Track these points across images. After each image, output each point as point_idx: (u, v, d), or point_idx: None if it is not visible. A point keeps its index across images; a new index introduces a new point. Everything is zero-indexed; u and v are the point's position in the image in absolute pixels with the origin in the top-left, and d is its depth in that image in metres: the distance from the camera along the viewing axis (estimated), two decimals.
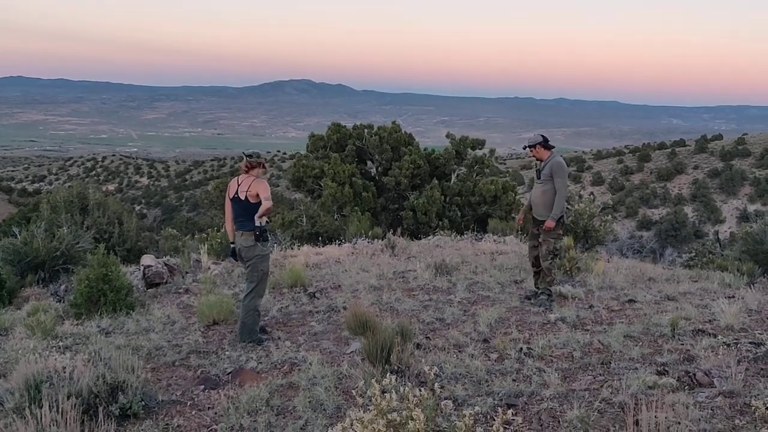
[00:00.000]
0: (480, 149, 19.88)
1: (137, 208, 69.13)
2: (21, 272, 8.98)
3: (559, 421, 3.70)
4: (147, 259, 8.95)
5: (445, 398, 3.95)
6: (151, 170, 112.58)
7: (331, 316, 6.58)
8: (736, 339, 5.00)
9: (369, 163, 19.85)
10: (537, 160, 6.78)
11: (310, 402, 4.21)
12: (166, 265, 8.91)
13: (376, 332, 4.57)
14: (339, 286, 7.92)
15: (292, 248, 11.57)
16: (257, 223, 5.59)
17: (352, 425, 2.74)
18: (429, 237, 13.65)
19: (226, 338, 5.96)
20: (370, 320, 5.22)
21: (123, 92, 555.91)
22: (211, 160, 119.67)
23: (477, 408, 3.01)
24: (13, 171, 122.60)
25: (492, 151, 20.47)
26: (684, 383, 4.08)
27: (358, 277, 8.29)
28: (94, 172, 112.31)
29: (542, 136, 6.68)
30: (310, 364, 4.96)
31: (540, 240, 6.74)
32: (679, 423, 3.32)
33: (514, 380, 4.41)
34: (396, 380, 3.00)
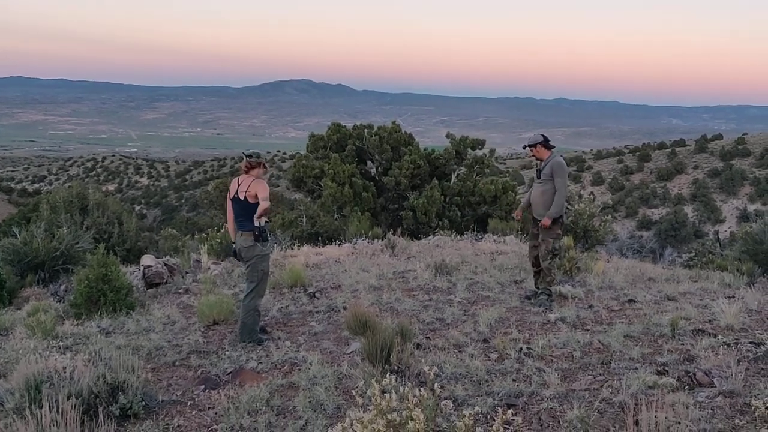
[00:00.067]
0: (480, 149, 19.87)
1: (137, 208, 69.13)
2: (21, 272, 8.98)
3: (559, 421, 3.70)
4: (147, 259, 8.95)
5: (445, 398, 3.95)
6: (151, 170, 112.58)
7: (331, 316, 6.58)
8: (736, 339, 5.00)
9: (369, 163, 19.85)
10: (537, 159, 6.78)
11: (310, 402, 4.21)
12: (166, 265, 8.91)
13: (376, 332, 4.57)
14: (339, 286, 7.93)
15: (292, 248, 11.57)
16: (257, 224, 5.60)
17: (352, 425, 2.74)
18: (429, 237, 13.66)
19: (227, 338, 5.96)
20: (370, 320, 5.22)
21: (123, 92, 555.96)
22: (211, 160, 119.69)
23: (477, 408, 3.01)
24: (12, 171, 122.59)
25: (492, 151, 20.46)
26: (684, 383, 4.08)
27: (358, 277, 8.30)
28: (93, 173, 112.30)
29: (543, 135, 6.68)
30: (310, 364, 4.96)
31: (540, 240, 6.74)
32: (679, 423, 3.32)
33: (514, 380, 4.41)
34: (396, 380, 3.00)
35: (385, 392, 2.85)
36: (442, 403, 3.00)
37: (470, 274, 8.36)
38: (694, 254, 13.21)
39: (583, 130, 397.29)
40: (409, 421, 2.72)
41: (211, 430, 4.00)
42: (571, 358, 4.88)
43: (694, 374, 4.15)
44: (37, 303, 7.33)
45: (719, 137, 79.17)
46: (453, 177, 19.13)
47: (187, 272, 9.33)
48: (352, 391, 3.27)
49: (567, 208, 10.97)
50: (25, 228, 9.86)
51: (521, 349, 5.07)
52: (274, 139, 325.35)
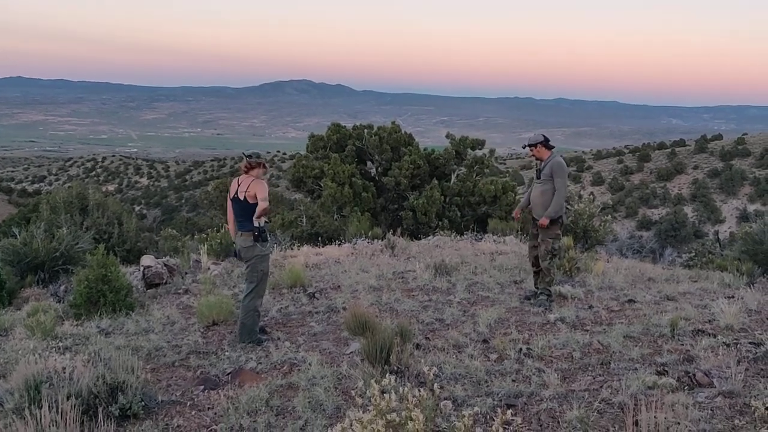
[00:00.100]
0: (480, 149, 19.88)
1: (137, 208, 69.13)
2: (21, 273, 8.98)
3: (558, 422, 3.70)
4: (146, 260, 8.95)
5: (445, 399, 3.95)
6: (151, 171, 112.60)
7: (330, 317, 6.58)
8: (735, 339, 5.00)
9: (369, 163, 19.86)
10: (537, 159, 6.77)
11: (309, 402, 4.21)
12: (165, 265, 8.91)
13: (376, 333, 4.57)
14: (338, 286, 7.93)
15: (291, 248, 11.58)
16: (256, 224, 5.61)
17: (351, 425, 2.74)
18: (429, 237, 13.65)
19: (226, 339, 5.96)
20: (369, 321, 5.22)
21: (123, 93, 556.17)
22: (211, 160, 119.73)
23: (476, 408, 3.02)
24: (12, 171, 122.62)
25: (492, 152, 20.47)
26: (684, 383, 4.08)
27: (357, 278, 8.29)
28: (93, 173, 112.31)
29: (543, 135, 6.68)
30: (310, 364, 4.96)
31: (539, 240, 6.74)
32: (679, 423, 3.32)
33: (513, 381, 4.41)
34: (395, 381, 3.00)
35: (385, 393, 2.85)
36: (441, 403, 3.01)
37: (470, 274, 8.35)
38: (693, 254, 13.21)
39: (583, 130, 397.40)
40: (409, 422, 2.72)
41: (211, 430, 4.00)
42: (571, 358, 4.88)
43: (694, 375, 4.15)
44: (36, 303, 7.32)
45: (719, 137, 79.20)
46: (453, 177, 19.14)
47: (186, 273, 9.33)
48: (352, 391, 3.27)
49: (567, 208, 10.96)
50: (24, 228, 9.86)
51: (521, 349, 5.07)
52: (274, 139, 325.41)
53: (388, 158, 18.97)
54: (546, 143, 6.64)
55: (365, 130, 19.73)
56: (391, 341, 4.49)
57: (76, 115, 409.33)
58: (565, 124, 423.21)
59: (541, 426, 3.68)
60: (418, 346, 5.25)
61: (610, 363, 4.67)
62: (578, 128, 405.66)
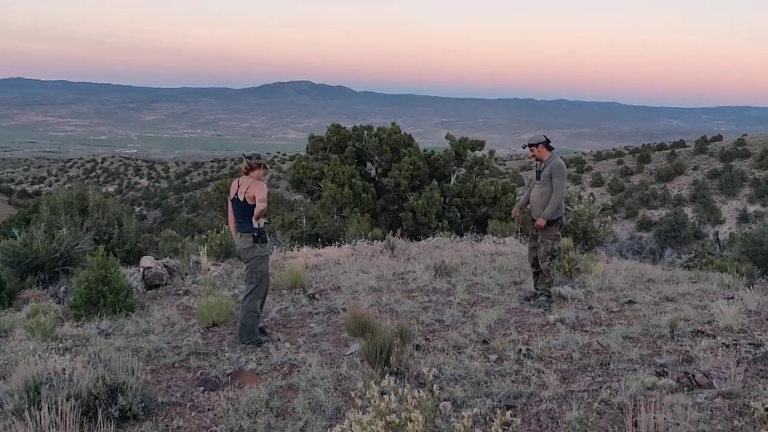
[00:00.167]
0: (479, 150, 19.89)
1: (137, 209, 69.13)
2: (21, 274, 8.98)
3: (558, 423, 3.70)
4: (146, 261, 8.95)
5: (444, 399, 3.96)
6: (151, 171, 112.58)
7: (330, 318, 6.58)
8: (735, 340, 5.00)
9: (369, 164, 19.87)
10: (537, 160, 6.77)
11: (309, 403, 4.22)
12: (165, 266, 8.91)
13: (376, 334, 4.58)
14: (338, 287, 7.93)
15: (291, 249, 11.58)
16: (255, 225, 5.62)
17: (351, 426, 2.74)
18: (429, 238, 13.66)
19: (226, 340, 5.96)
20: (369, 322, 5.23)
21: (122, 93, 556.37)
22: (211, 161, 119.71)
23: (476, 409, 3.01)
24: (12, 172, 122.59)
25: (491, 152, 20.47)
26: (683, 384, 4.08)
27: (357, 279, 8.30)
28: (93, 174, 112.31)
29: (544, 136, 6.68)
30: (310, 365, 4.96)
31: (539, 241, 6.74)
32: (678, 424, 3.33)
33: (513, 381, 4.42)
34: (395, 382, 3.00)
35: (384, 394, 2.85)
36: (441, 404, 3.00)
37: (470, 275, 8.36)
38: (693, 255, 13.21)
39: (583, 131, 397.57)
40: (408, 423, 2.72)
41: (211, 431, 4.00)
42: (570, 359, 4.88)
43: (693, 375, 4.15)
44: (36, 304, 7.32)
45: (719, 138, 79.20)
46: (453, 178, 19.15)
47: (186, 274, 9.33)
48: (352, 392, 3.27)
49: (567, 209, 10.96)
50: (24, 229, 9.86)
51: (520, 350, 5.07)
52: (274, 140, 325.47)
53: (388, 159, 18.98)
54: (547, 144, 6.64)
55: (365, 131, 19.75)
56: (391, 342, 4.49)
57: (75, 116, 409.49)
58: (565, 125, 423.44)
59: (540, 427, 3.69)
60: (417, 347, 5.26)
61: (609, 364, 4.68)
62: (578, 129, 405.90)
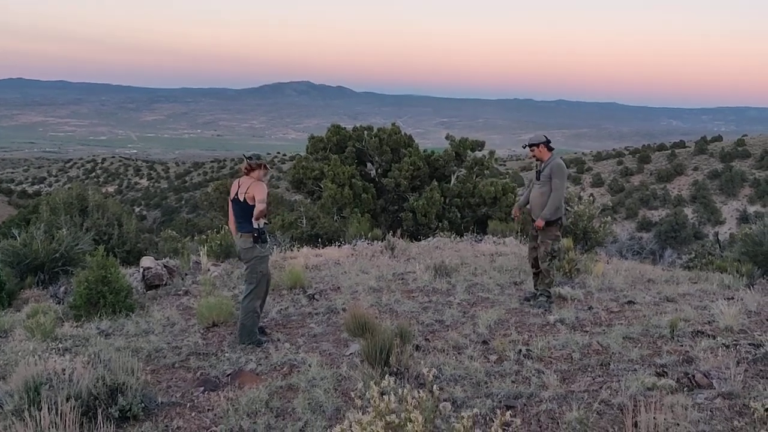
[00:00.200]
0: (479, 151, 19.89)
1: (137, 209, 69.14)
2: (20, 274, 8.98)
3: (558, 423, 3.70)
4: (146, 261, 8.95)
5: (444, 400, 3.95)
6: (151, 172, 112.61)
7: (330, 318, 6.58)
8: (735, 340, 5.00)
9: (369, 164, 19.88)
10: (537, 160, 6.76)
11: (309, 404, 4.22)
12: (165, 266, 8.91)
13: (376, 334, 4.57)
14: (338, 287, 7.93)
15: (291, 250, 11.58)
16: (255, 225, 5.62)
17: (350, 427, 2.74)
18: (429, 238, 13.66)
19: (226, 340, 5.96)
20: (369, 322, 5.23)
21: (122, 94, 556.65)
22: (211, 161, 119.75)
23: (476, 410, 3.01)
24: (12, 173, 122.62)
25: (491, 153, 20.48)
26: (683, 385, 4.08)
27: (357, 279, 8.30)
28: (93, 174, 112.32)
29: (545, 136, 6.68)
30: (310, 365, 4.96)
31: (539, 242, 6.74)
32: (678, 425, 3.32)
33: (513, 382, 4.41)
34: (395, 382, 3.00)
35: (384, 394, 2.85)
36: (441, 404, 3.00)
37: (470, 275, 8.36)
38: (693, 256, 13.21)
39: (583, 131, 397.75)
40: (408, 423, 2.72)
41: (211, 431, 4.00)
42: (570, 359, 4.88)
43: (693, 376, 4.15)
44: (36, 305, 7.32)
45: (719, 139, 79.24)
46: (453, 178, 19.15)
47: (186, 274, 9.33)
48: (351, 392, 3.27)
49: (567, 209, 10.96)
50: (24, 230, 9.85)
51: (520, 350, 5.07)
52: (274, 140, 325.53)
53: (388, 160, 18.98)
54: (547, 144, 6.64)
55: (365, 132, 19.75)
56: (391, 342, 4.49)
57: (75, 117, 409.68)
58: (565, 126, 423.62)
59: (540, 427, 3.69)
60: (417, 348, 5.26)
61: (609, 364, 4.68)
62: (578, 129, 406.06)
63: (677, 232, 41.00)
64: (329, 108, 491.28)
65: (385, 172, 18.94)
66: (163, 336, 6.14)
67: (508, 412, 2.84)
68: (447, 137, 20.25)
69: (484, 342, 5.42)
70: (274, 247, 11.51)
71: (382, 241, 11.65)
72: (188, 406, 4.42)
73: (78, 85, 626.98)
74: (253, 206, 5.61)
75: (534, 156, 6.76)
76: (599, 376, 4.47)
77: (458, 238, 13.23)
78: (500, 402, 4.04)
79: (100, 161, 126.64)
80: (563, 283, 7.47)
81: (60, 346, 5.77)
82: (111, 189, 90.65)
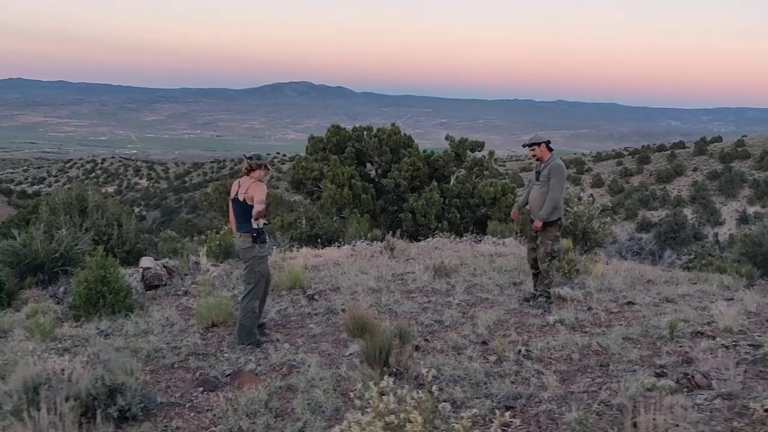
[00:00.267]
0: (479, 151, 19.89)
1: (136, 209, 69.11)
2: (20, 274, 8.97)
3: (557, 424, 3.70)
4: (146, 261, 8.95)
5: (444, 400, 3.95)
6: (151, 172, 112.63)
7: (329, 319, 6.58)
8: (734, 341, 5.00)
9: (368, 165, 19.88)
10: (537, 160, 6.76)
11: (308, 404, 4.21)
12: (165, 267, 8.91)
13: (375, 334, 4.57)
14: (338, 288, 7.92)
15: (291, 250, 11.57)
16: (254, 225, 5.63)
17: (350, 427, 2.74)
18: (428, 239, 13.66)
19: (225, 340, 5.96)
20: (368, 322, 5.22)
21: (122, 94, 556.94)
22: (211, 162, 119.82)
23: (475, 410, 3.02)
24: (12, 173, 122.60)
25: (491, 153, 20.48)
26: (682, 385, 4.08)
27: (356, 279, 8.29)
28: (93, 174, 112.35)
29: (545, 137, 6.68)
30: (309, 366, 4.96)
31: (538, 242, 6.74)
32: (678, 425, 3.32)
33: (512, 382, 4.41)
34: (394, 382, 3.00)
35: (384, 394, 2.85)
36: (440, 405, 3.00)
37: (469, 276, 8.36)
38: (693, 256, 13.22)
39: (582, 132, 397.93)
40: (407, 424, 2.72)
41: (210, 431, 4.00)
42: (570, 360, 4.88)
43: (693, 376, 4.15)
44: (35, 305, 7.32)
45: (718, 139, 79.30)
46: (452, 179, 19.15)
47: (186, 274, 9.32)
48: (351, 393, 3.27)
49: (566, 210, 10.96)
50: (24, 230, 9.84)
51: (520, 351, 5.07)
52: (274, 141, 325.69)
53: (387, 160, 18.98)
54: (548, 144, 6.65)
55: (365, 132, 19.76)
56: (390, 343, 4.49)
57: (75, 117, 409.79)
58: (565, 126, 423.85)
59: (540, 428, 3.69)
60: (417, 348, 5.25)
61: (609, 365, 4.68)
62: (577, 130, 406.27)
63: (677, 232, 40.97)
64: (329, 108, 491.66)
65: (385, 172, 18.94)
66: (162, 336, 6.13)
67: (508, 413, 2.84)
68: (446, 138, 20.25)
69: (484, 342, 5.42)
70: (274, 247, 11.50)
71: (381, 242, 11.65)
72: (187, 406, 4.42)
73: (78, 86, 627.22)
74: (252, 206, 5.62)
75: (534, 156, 6.75)
76: (599, 376, 4.47)
77: (458, 238, 13.23)
78: (499, 402, 4.04)
79: (99, 161, 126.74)
80: (563, 284, 7.47)
81: (59, 346, 5.76)
82: (111, 189, 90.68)
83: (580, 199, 13.26)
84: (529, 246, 6.98)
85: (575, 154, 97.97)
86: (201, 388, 4.70)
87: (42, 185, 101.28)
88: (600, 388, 4.19)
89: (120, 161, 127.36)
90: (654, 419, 3.23)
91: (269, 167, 5.99)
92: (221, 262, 10.13)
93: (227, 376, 4.95)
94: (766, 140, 69.54)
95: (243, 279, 6.03)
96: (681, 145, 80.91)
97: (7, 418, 3.82)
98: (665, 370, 4.42)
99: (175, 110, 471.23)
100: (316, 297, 7.48)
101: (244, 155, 5.90)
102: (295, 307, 7.13)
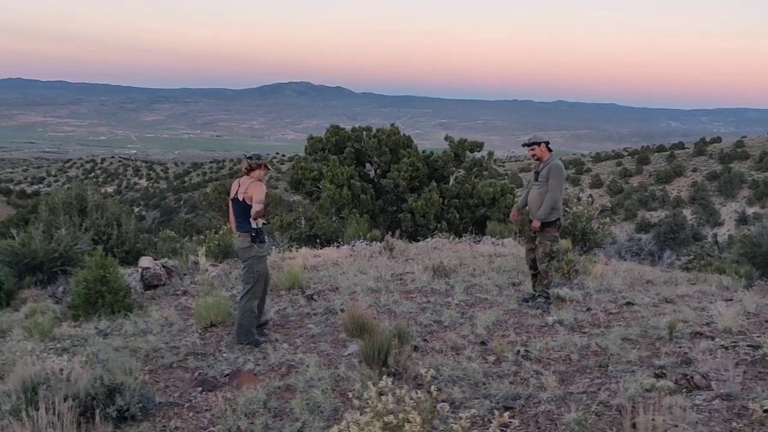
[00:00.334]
0: (478, 151, 19.89)
1: (136, 209, 69.04)
2: (19, 274, 8.97)
3: (556, 424, 3.69)
4: (145, 261, 8.94)
5: (442, 401, 3.95)
6: (150, 172, 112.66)
7: (328, 319, 6.57)
8: (733, 342, 5.00)
9: (367, 165, 19.87)
10: (536, 160, 6.76)
11: (307, 404, 4.21)
12: (164, 266, 8.90)
13: (374, 334, 4.57)
14: (337, 288, 7.92)
15: (290, 250, 11.57)
16: (253, 225, 5.63)
17: (348, 427, 2.73)
18: (427, 239, 13.65)
19: (224, 340, 5.96)
20: (367, 322, 5.22)
21: (122, 94, 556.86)
22: (210, 162, 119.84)
23: (474, 410, 3.02)
24: (12, 173, 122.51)
25: (490, 154, 20.48)
26: (681, 386, 4.08)
27: (356, 279, 8.29)
28: (93, 174, 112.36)
29: (544, 137, 6.68)
30: (308, 366, 4.96)
31: (537, 242, 6.73)
32: (677, 426, 3.32)
33: (511, 383, 4.41)
34: (393, 383, 3.00)
35: (382, 395, 2.85)
36: (438, 405, 3.00)
37: (468, 276, 8.35)
38: (692, 257, 13.22)
39: (582, 132, 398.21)
40: (406, 424, 2.72)
41: (208, 431, 3.99)
42: (569, 360, 4.88)
43: (692, 377, 4.15)
44: (34, 304, 7.32)
45: (718, 140, 79.34)
46: (451, 179, 19.15)
47: (185, 274, 9.32)
48: (349, 393, 3.26)
49: (565, 210, 10.96)
50: (23, 229, 9.84)
51: (519, 351, 5.07)
52: (273, 141, 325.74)
53: (386, 160, 18.97)
54: (547, 144, 6.65)
55: (364, 132, 19.74)
56: (389, 343, 4.49)
57: (75, 117, 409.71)
58: (564, 127, 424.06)
59: (538, 428, 3.68)
60: (416, 348, 5.25)
61: (608, 365, 4.67)
62: (577, 131, 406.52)
63: (676, 233, 40.99)
64: (328, 108, 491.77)
65: (384, 172, 18.94)
66: (161, 336, 6.13)
67: (507, 413, 2.83)
68: (446, 138, 20.24)
69: (483, 343, 5.41)
70: (273, 247, 11.50)
71: (380, 242, 11.64)
72: (186, 406, 4.41)
73: (78, 86, 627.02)
74: (251, 206, 5.62)
75: (534, 156, 6.75)
76: (598, 377, 4.47)
77: (457, 238, 13.22)
78: (498, 403, 4.04)
79: (99, 161, 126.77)
80: (562, 284, 7.47)
81: (58, 345, 5.76)
82: (110, 189, 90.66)
83: (579, 199, 13.25)
84: (528, 246, 6.98)
85: (575, 154, 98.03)
86: (200, 388, 4.70)
87: (41, 185, 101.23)
88: (599, 389, 4.19)
89: (119, 161, 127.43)
90: (653, 420, 3.23)
91: (269, 167, 5.99)
92: (220, 262, 10.12)
93: (226, 376, 4.95)
94: (766, 141, 69.59)
95: (242, 279, 6.03)
96: (680, 145, 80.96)
97: (6, 418, 3.81)
98: (664, 371, 4.41)
99: (174, 110, 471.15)
100: (315, 297, 7.48)
101: (244, 155, 5.90)
102: (294, 307, 7.13)
